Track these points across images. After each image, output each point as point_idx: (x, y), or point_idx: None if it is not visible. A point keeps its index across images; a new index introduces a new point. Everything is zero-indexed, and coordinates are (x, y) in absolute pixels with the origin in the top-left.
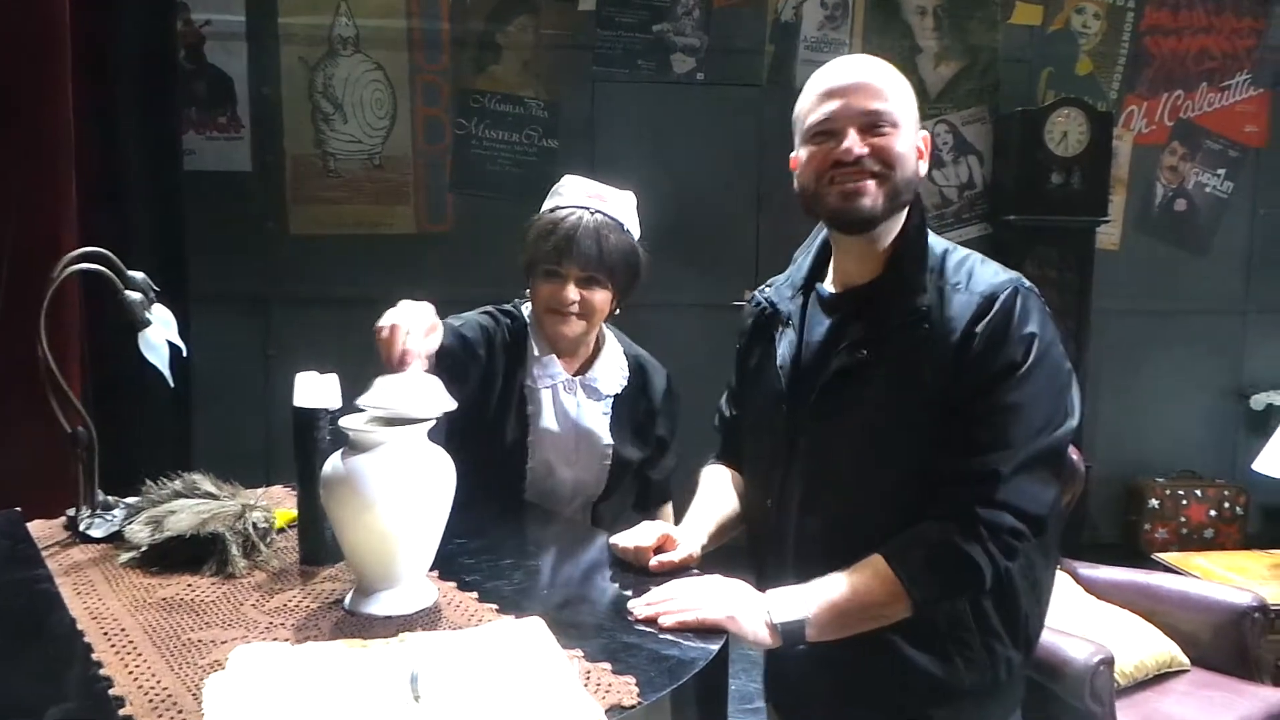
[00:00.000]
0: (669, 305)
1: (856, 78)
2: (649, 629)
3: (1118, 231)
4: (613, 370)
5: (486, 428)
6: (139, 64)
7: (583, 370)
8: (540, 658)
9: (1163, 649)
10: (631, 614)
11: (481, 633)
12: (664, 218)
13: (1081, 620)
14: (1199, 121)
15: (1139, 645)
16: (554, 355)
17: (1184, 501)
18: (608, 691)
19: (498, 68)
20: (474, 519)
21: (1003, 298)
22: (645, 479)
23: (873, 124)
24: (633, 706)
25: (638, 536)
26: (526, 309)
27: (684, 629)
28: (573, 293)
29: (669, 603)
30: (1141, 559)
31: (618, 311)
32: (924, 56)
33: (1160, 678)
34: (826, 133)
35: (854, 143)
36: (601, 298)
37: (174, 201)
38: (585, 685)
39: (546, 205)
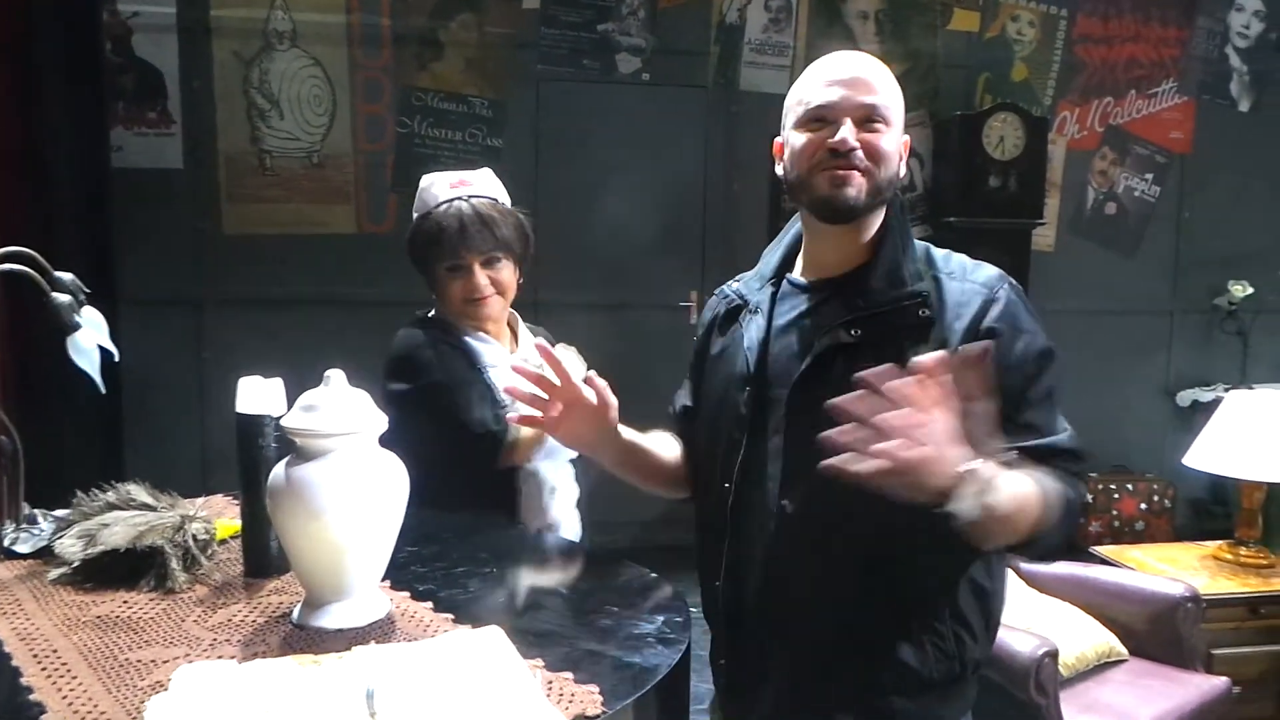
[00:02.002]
0: (614, 305)
1: (859, 72)
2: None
3: (1052, 233)
4: (532, 344)
5: (471, 425)
6: (63, 56)
7: (512, 350)
8: (501, 668)
9: (1103, 640)
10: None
11: (438, 644)
12: (609, 218)
13: (1025, 614)
14: (1128, 128)
15: (1080, 637)
16: (491, 337)
17: (1116, 496)
18: (570, 701)
19: (440, 65)
20: (425, 526)
21: (1006, 289)
22: None
23: (868, 118)
24: (597, 716)
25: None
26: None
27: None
28: (481, 277)
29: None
30: (1077, 552)
31: (521, 281)
32: None
33: (1100, 668)
34: (822, 120)
35: (850, 133)
36: (508, 272)
37: (101, 199)
38: (548, 695)
39: (417, 208)
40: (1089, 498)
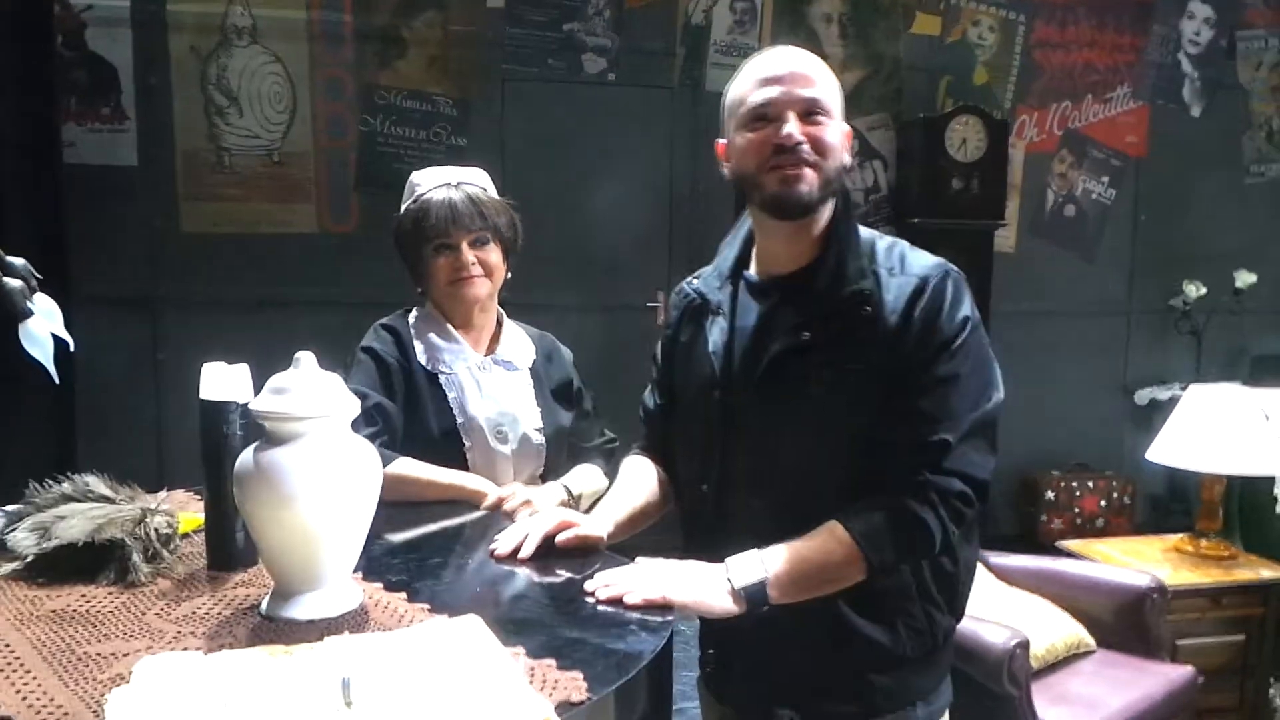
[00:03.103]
0: (580, 307)
1: (795, 66)
2: (609, 609)
3: (1013, 235)
4: (520, 344)
5: (416, 430)
6: (12, 49)
7: (491, 350)
8: (481, 656)
9: (1071, 632)
10: (591, 594)
11: (415, 633)
12: (575, 218)
13: (995, 606)
14: (1085, 132)
15: (1050, 629)
16: (463, 339)
17: (1077, 493)
18: (554, 688)
19: (404, 63)
20: (395, 516)
21: (936, 280)
22: (577, 449)
23: (809, 111)
24: (582, 702)
25: (519, 532)
26: (411, 317)
27: (650, 605)
28: (469, 255)
29: (628, 583)
30: (1040, 550)
31: (509, 275)
32: (830, 63)
33: (1070, 659)
34: (764, 118)
35: (795, 128)
36: (496, 256)
37: (53, 196)
38: (530, 683)
39: (406, 201)
40: (965, 491)
